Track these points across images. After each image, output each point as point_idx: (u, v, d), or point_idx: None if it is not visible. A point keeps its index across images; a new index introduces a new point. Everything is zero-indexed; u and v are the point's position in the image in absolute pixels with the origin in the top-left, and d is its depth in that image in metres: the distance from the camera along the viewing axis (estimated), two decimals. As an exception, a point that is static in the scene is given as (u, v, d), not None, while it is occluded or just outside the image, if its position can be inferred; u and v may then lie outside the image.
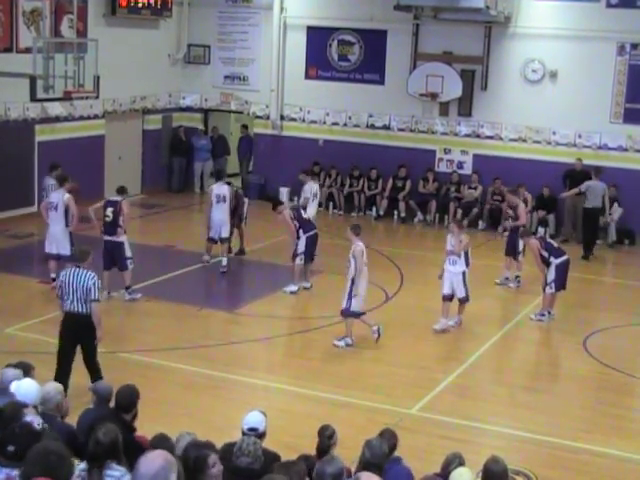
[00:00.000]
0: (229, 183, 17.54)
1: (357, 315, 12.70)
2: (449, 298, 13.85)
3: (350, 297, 12.54)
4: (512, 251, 16.36)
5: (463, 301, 13.96)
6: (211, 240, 16.52)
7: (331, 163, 22.35)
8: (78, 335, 10.38)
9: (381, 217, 21.74)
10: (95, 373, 10.46)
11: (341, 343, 12.78)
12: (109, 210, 14.38)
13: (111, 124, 21.80)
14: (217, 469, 5.64)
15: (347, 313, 12.65)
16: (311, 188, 17.43)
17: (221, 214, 16.36)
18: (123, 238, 14.41)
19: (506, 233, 17.34)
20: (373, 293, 15.44)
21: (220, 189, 16.51)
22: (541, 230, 19.86)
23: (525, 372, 12.92)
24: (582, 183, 18.91)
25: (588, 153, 20.28)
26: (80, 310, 10.25)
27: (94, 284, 10.20)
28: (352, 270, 12.43)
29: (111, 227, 14.37)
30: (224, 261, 16.43)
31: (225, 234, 16.45)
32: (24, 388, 6.85)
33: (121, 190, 14.71)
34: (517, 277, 16.46)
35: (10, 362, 7.76)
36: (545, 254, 14.31)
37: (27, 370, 7.61)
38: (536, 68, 20.72)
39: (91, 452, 5.60)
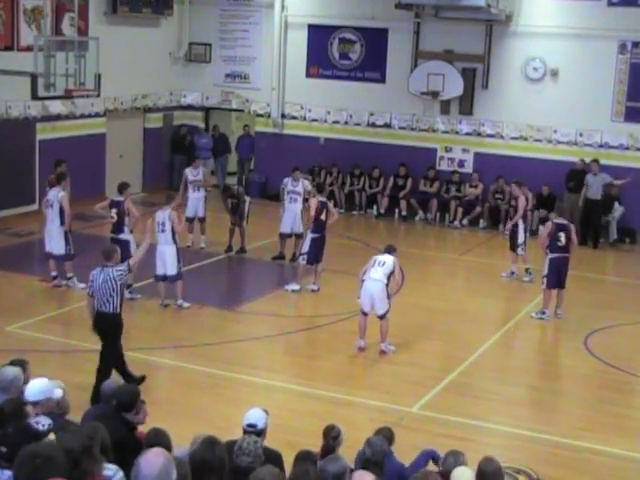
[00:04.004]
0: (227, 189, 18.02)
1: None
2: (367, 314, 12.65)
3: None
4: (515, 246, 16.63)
5: (382, 318, 12.57)
6: (190, 220, 17.82)
7: (332, 161, 22.35)
8: (102, 333, 10.57)
9: (382, 215, 21.73)
10: (101, 375, 10.40)
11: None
12: (113, 211, 14.51)
13: (112, 122, 21.79)
14: None
15: None
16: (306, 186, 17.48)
17: (199, 194, 17.85)
18: (129, 237, 14.46)
19: (507, 232, 17.41)
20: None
21: (193, 173, 17.94)
22: (542, 228, 19.84)
23: (526, 370, 12.91)
24: (584, 181, 19.77)
25: (589, 151, 20.28)
26: (104, 309, 10.41)
27: (115, 277, 10.33)
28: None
29: (117, 227, 14.51)
30: (202, 240, 17.80)
31: (201, 214, 17.77)
32: (31, 385, 6.85)
33: (121, 187, 14.73)
34: (527, 269, 16.61)
35: (6, 361, 7.72)
36: (547, 243, 14.44)
37: (21, 366, 7.58)
38: (537, 66, 20.71)
39: None
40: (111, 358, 10.59)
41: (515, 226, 16.60)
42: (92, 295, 10.51)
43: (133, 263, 10.81)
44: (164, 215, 14.08)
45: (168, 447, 5.86)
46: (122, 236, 14.42)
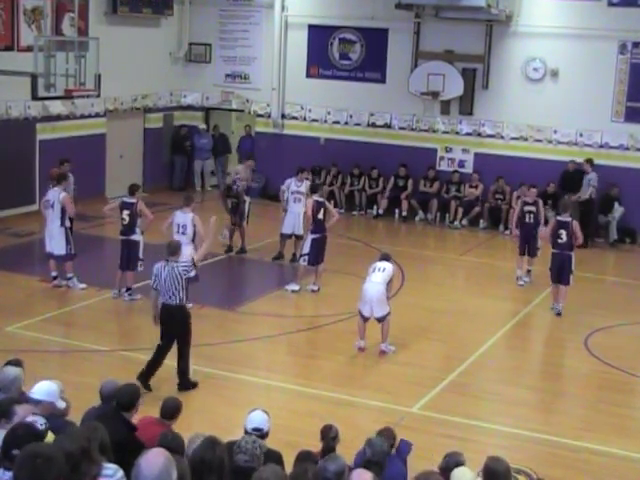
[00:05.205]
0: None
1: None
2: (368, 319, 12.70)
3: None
4: (525, 249, 16.39)
5: (381, 320, 12.57)
6: None
7: (332, 162, 22.35)
8: (170, 325, 10.85)
9: (381, 216, 21.72)
10: (180, 371, 10.92)
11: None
12: (125, 213, 14.40)
13: (112, 122, 21.79)
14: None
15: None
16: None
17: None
18: (140, 238, 14.43)
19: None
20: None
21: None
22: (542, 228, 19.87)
23: (526, 371, 12.92)
24: (578, 182, 19.84)
25: (589, 152, 20.28)
26: (170, 302, 10.73)
27: (180, 272, 10.67)
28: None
29: (128, 228, 14.44)
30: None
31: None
32: (41, 384, 6.84)
33: (132, 189, 14.64)
34: (529, 271, 16.61)
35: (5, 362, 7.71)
36: (550, 239, 14.77)
37: (20, 367, 7.57)
38: (537, 67, 20.71)
39: None
40: (187, 353, 10.95)
41: (535, 229, 16.28)
42: (156, 288, 10.83)
43: (197, 259, 11.17)
44: (185, 218, 13.87)
45: (181, 451, 5.86)
46: (133, 237, 14.38)
